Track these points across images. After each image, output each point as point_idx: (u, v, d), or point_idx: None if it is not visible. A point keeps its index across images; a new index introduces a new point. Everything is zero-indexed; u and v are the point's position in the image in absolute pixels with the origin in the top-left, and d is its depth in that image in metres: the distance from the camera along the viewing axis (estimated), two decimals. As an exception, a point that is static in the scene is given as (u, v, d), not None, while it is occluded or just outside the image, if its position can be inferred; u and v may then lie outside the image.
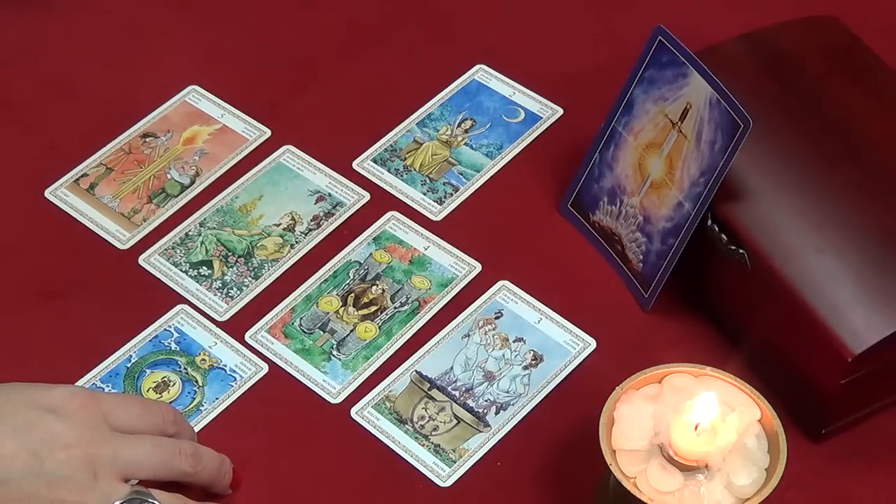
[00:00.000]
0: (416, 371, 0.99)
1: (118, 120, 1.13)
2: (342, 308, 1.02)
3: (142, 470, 0.86)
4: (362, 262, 1.04)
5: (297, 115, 1.14)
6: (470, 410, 0.97)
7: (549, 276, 1.04)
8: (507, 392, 0.98)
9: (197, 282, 1.04)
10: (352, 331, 1.01)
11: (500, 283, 1.04)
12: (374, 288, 1.03)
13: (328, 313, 1.02)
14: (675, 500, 0.84)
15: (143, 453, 0.86)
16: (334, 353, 1.00)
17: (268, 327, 1.01)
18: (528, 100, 1.15)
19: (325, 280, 1.04)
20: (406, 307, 1.02)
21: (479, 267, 1.04)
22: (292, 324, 1.01)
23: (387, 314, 1.02)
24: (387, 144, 1.12)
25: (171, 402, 0.97)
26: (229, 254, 1.05)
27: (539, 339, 1.01)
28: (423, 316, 1.02)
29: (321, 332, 1.01)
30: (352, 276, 1.04)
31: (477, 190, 1.09)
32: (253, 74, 1.17)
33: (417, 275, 1.04)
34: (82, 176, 1.10)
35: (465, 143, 1.12)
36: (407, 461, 0.95)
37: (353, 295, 1.03)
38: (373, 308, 1.02)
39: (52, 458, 0.83)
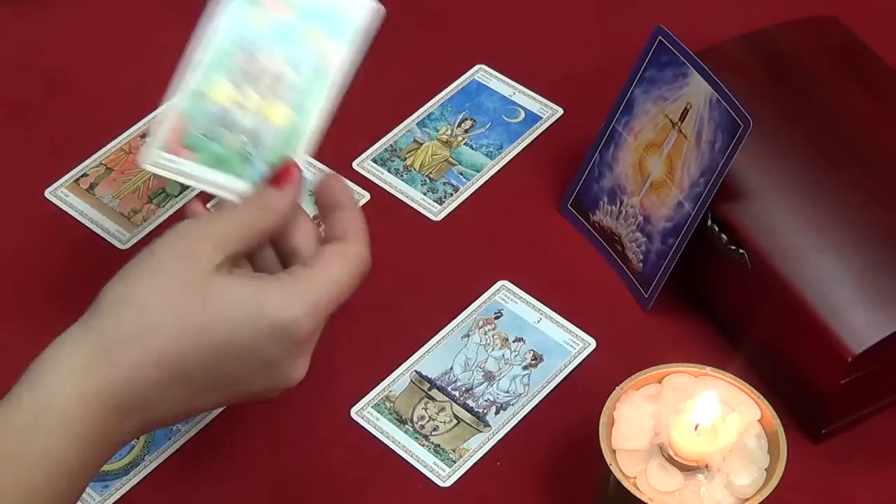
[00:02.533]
0: (416, 371, 0.99)
1: (118, 120, 1.13)
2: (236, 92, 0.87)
3: None
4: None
5: (297, 115, 1.14)
6: (470, 410, 0.97)
7: (549, 276, 1.04)
8: (507, 392, 0.98)
9: (197, 282, 1.03)
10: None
11: (500, 283, 1.03)
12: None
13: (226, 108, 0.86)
14: (675, 500, 0.84)
15: None
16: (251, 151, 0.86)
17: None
18: (528, 100, 1.15)
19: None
20: (309, 72, 0.87)
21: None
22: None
23: (290, 84, 0.87)
24: (387, 144, 1.12)
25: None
26: (229, 254, 1.05)
27: (539, 339, 1.00)
28: (333, 75, 0.88)
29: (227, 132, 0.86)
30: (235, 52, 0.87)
31: (477, 190, 1.09)
32: (253, 74, 1.17)
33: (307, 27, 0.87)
34: (82, 176, 1.10)
35: (465, 143, 1.12)
36: (407, 461, 0.95)
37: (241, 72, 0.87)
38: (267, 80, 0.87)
39: None
